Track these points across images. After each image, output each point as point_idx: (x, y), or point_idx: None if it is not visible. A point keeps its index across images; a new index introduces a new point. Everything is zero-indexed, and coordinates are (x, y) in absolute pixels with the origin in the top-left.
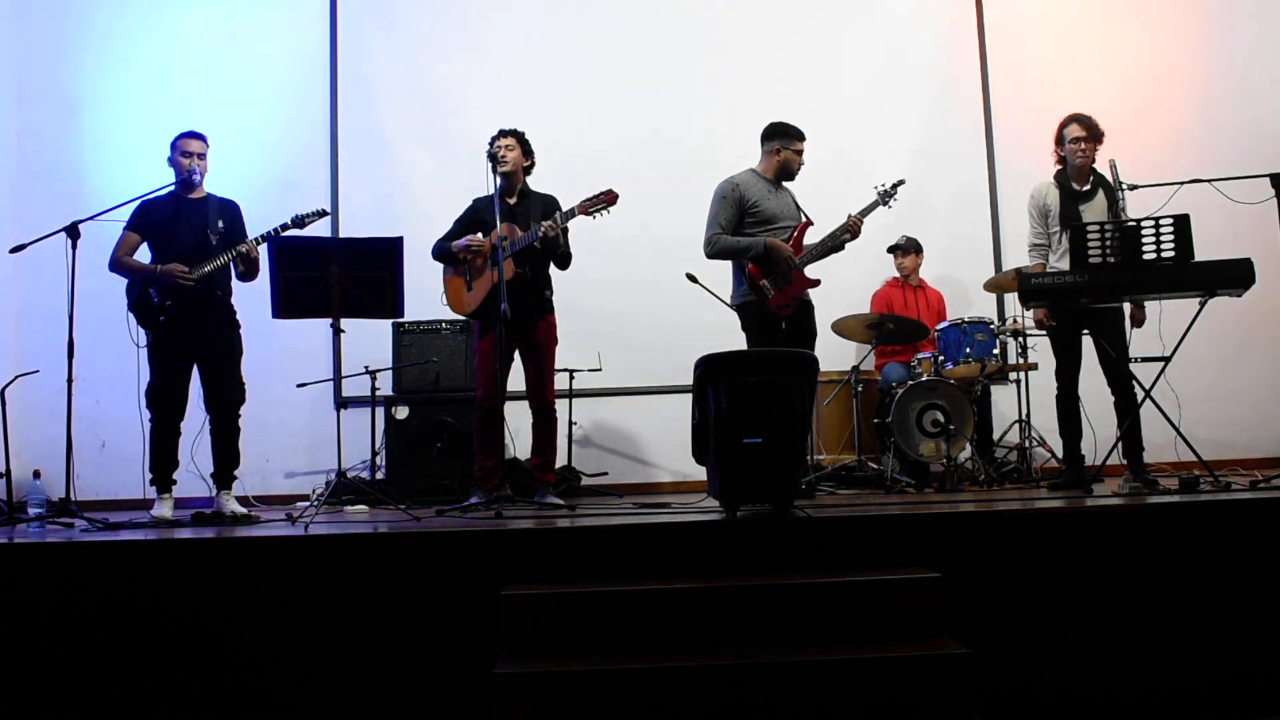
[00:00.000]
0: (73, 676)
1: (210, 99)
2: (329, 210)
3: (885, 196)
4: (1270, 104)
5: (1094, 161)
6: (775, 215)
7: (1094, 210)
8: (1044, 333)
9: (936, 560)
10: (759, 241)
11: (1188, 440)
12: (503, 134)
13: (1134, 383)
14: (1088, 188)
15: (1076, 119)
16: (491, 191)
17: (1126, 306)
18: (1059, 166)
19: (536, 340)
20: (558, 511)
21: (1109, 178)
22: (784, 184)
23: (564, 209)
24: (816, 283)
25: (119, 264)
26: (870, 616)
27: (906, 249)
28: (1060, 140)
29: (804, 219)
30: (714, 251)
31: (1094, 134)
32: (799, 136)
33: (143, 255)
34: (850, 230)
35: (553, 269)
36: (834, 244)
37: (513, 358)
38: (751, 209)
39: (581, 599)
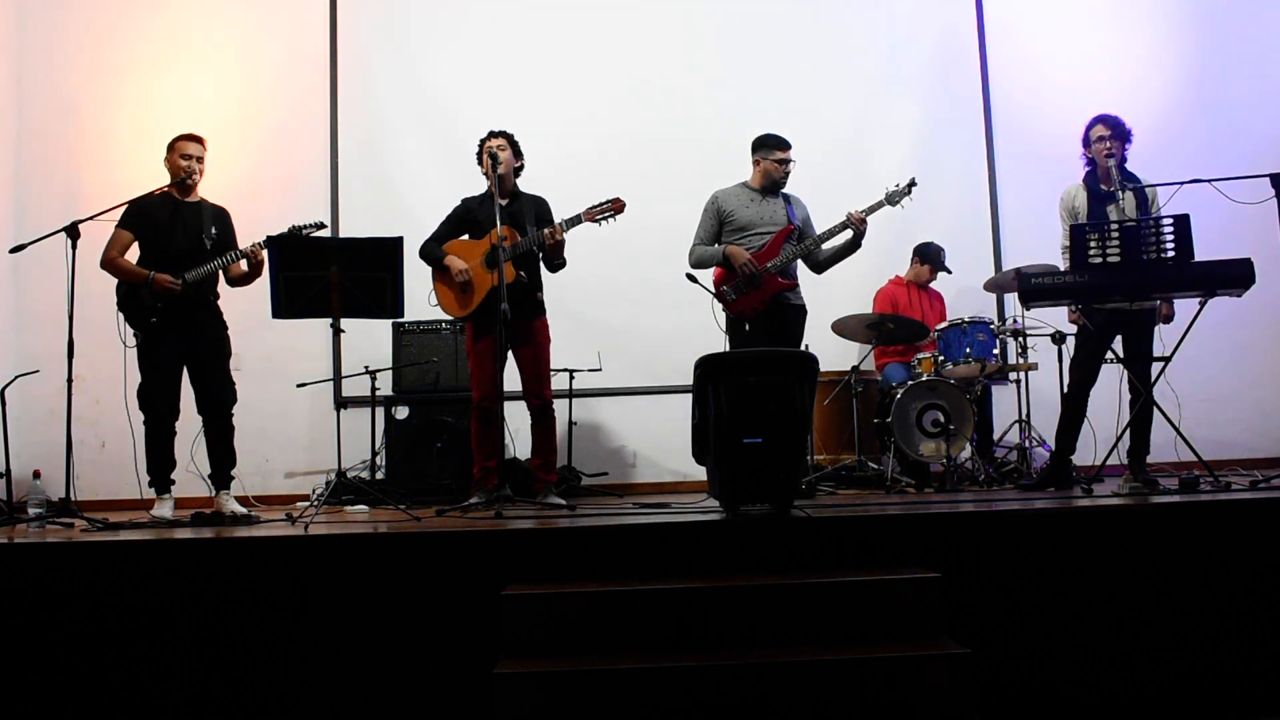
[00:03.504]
0: (73, 676)
1: (210, 99)
2: (326, 223)
3: (895, 197)
4: (1270, 104)
5: (1122, 161)
6: (751, 223)
7: (1124, 211)
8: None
9: (936, 560)
10: (721, 250)
11: (1188, 440)
12: (494, 135)
13: (1151, 385)
14: (1116, 188)
15: (1102, 119)
16: (483, 191)
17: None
18: (1088, 168)
19: (532, 341)
20: (558, 511)
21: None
22: (782, 192)
23: (570, 215)
24: (791, 285)
25: (111, 264)
26: (870, 616)
27: (937, 266)
28: (1087, 141)
29: (788, 224)
30: (692, 262)
31: (1119, 133)
32: (780, 146)
33: (133, 254)
34: (853, 225)
35: (542, 271)
36: (821, 245)
37: (506, 359)
38: (728, 219)
39: (581, 599)
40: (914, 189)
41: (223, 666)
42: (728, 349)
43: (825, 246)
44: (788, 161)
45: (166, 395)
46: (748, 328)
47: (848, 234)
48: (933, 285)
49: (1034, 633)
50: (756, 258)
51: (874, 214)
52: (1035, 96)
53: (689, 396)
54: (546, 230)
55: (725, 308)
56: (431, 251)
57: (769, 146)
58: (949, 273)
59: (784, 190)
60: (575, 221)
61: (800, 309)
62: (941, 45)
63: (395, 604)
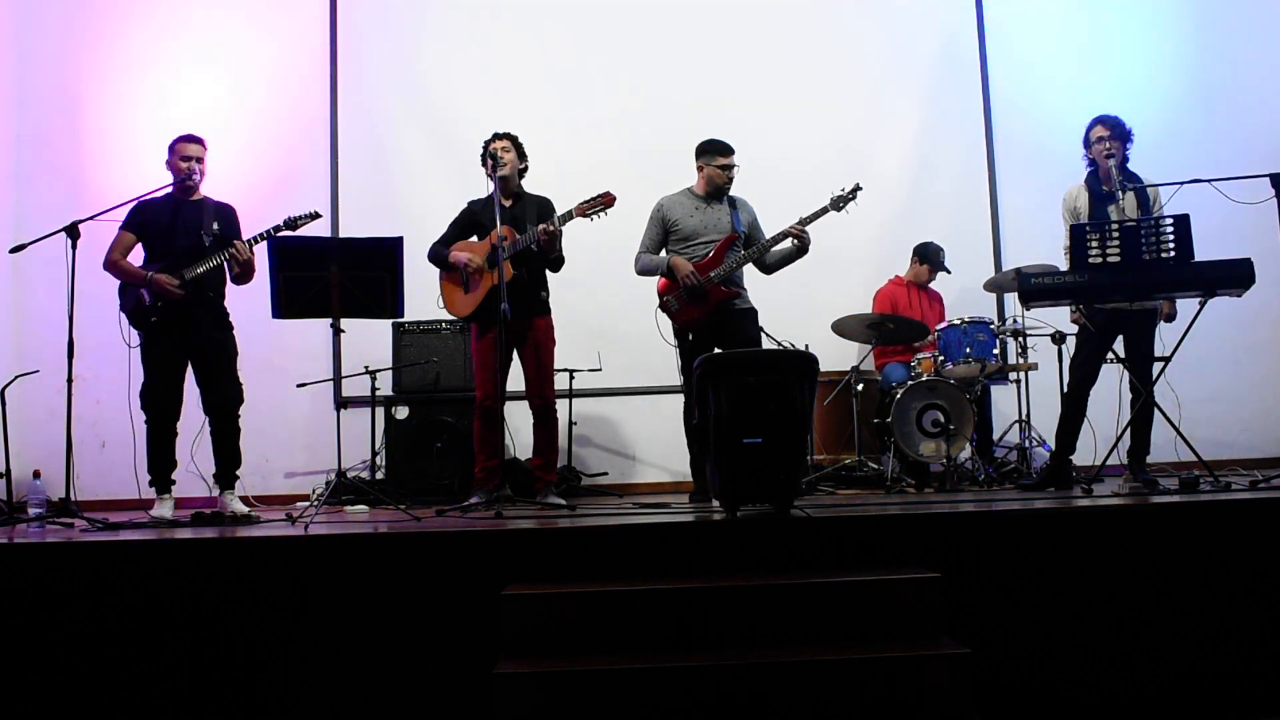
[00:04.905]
0: (73, 676)
1: (210, 99)
2: (321, 213)
3: (840, 203)
4: (1269, 104)
5: (1123, 161)
6: (696, 232)
7: (1125, 212)
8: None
9: (936, 560)
10: (665, 260)
11: (1188, 440)
12: (498, 136)
13: (1152, 385)
14: (1116, 189)
15: (1101, 120)
16: (488, 193)
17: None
18: (1090, 169)
19: (534, 340)
20: (558, 511)
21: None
22: (728, 196)
23: (561, 211)
24: (734, 294)
25: (113, 265)
26: (870, 616)
27: (936, 266)
28: (1087, 142)
29: (733, 232)
30: (637, 270)
31: (1119, 133)
32: (722, 151)
33: (137, 254)
34: (793, 237)
35: (547, 270)
36: (765, 251)
37: (511, 359)
38: (673, 227)
39: (581, 599)
40: (859, 193)
41: (223, 666)
42: (679, 361)
43: (772, 251)
44: (731, 167)
45: (168, 395)
46: (691, 337)
47: (791, 242)
48: (933, 285)
49: (1034, 633)
50: (699, 267)
51: (817, 221)
52: (1035, 96)
53: None
54: (540, 227)
55: (670, 318)
56: (438, 253)
57: (712, 152)
58: (948, 272)
59: (731, 194)
60: (567, 217)
61: (748, 311)
62: (942, 46)
63: (395, 604)
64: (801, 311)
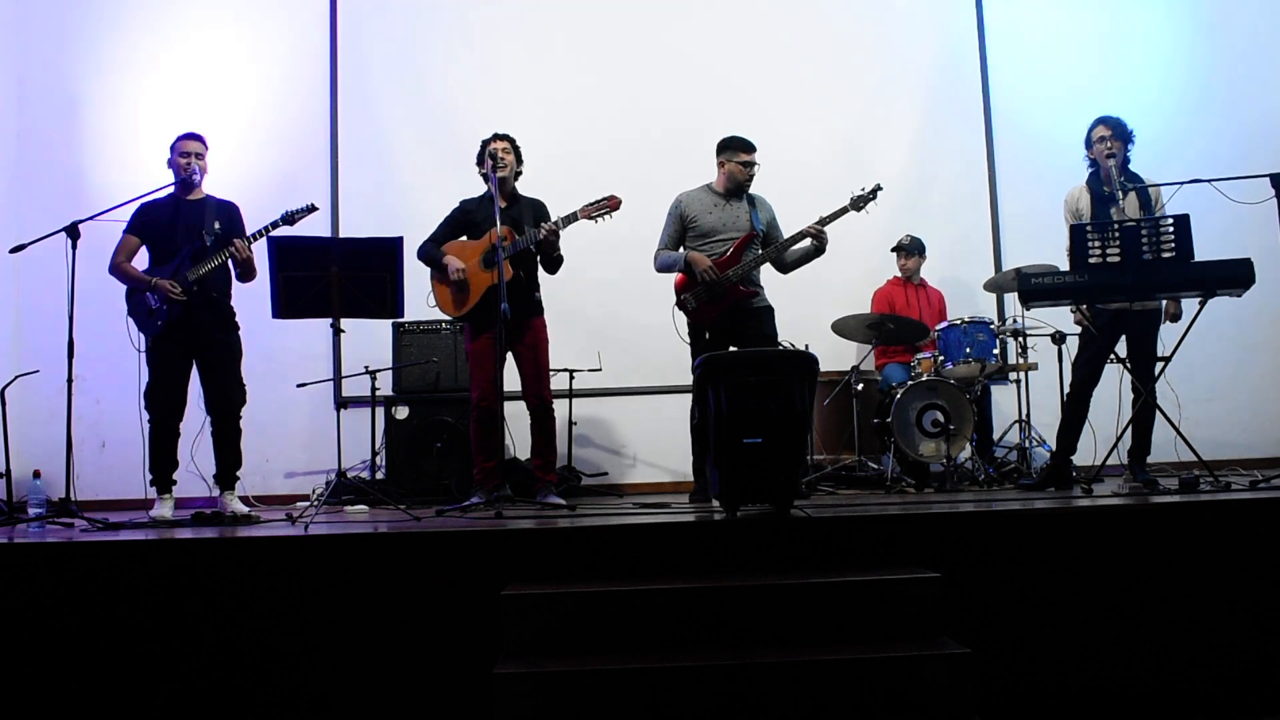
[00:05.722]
0: (73, 676)
1: (210, 98)
2: (318, 206)
3: (860, 203)
4: (1270, 104)
5: (1125, 162)
6: (714, 229)
7: (1126, 212)
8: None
9: (936, 560)
10: (683, 255)
11: (1188, 440)
12: (497, 137)
13: (1153, 385)
14: (1118, 190)
15: (1103, 120)
16: (482, 193)
17: (1164, 304)
18: (1091, 170)
19: (532, 341)
20: (558, 511)
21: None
22: (747, 194)
23: (566, 212)
24: (752, 293)
25: (117, 269)
26: (870, 616)
27: (910, 250)
28: (1089, 142)
29: (751, 230)
30: (656, 266)
31: (1120, 134)
32: (744, 148)
33: (142, 256)
34: (811, 237)
35: (540, 272)
36: (784, 251)
37: (505, 359)
38: (691, 224)
39: (581, 599)
40: (879, 193)
41: (223, 666)
42: (692, 360)
43: (790, 250)
44: (752, 164)
45: (171, 396)
46: (707, 336)
47: (809, 242)
48: (931, 283)
49: (1034, 633)
50: (717, 265)
51: (836, 221)
52: (1035, 97)
53: (689, 396)
54: (544, 226)
55: (686, 315)
56: (430, 253)
57: (734, 149)
58: (921, 253)
59: (750, 192)
60: (571, 219)
61: (764, 310)
62: (942, 46)
63: (395, 604)
64: (801, 311)
